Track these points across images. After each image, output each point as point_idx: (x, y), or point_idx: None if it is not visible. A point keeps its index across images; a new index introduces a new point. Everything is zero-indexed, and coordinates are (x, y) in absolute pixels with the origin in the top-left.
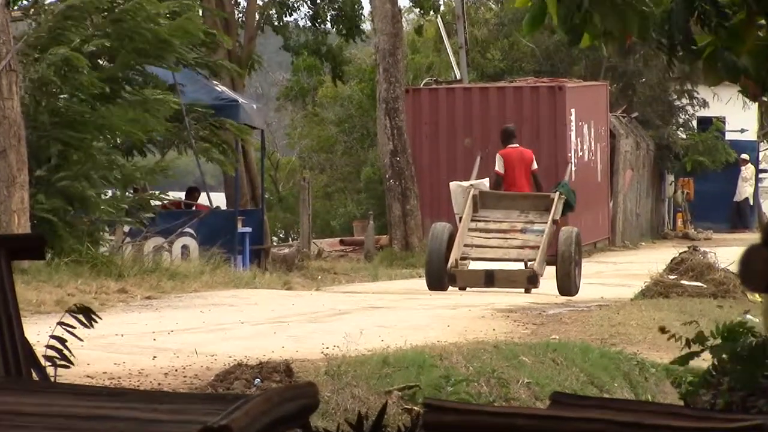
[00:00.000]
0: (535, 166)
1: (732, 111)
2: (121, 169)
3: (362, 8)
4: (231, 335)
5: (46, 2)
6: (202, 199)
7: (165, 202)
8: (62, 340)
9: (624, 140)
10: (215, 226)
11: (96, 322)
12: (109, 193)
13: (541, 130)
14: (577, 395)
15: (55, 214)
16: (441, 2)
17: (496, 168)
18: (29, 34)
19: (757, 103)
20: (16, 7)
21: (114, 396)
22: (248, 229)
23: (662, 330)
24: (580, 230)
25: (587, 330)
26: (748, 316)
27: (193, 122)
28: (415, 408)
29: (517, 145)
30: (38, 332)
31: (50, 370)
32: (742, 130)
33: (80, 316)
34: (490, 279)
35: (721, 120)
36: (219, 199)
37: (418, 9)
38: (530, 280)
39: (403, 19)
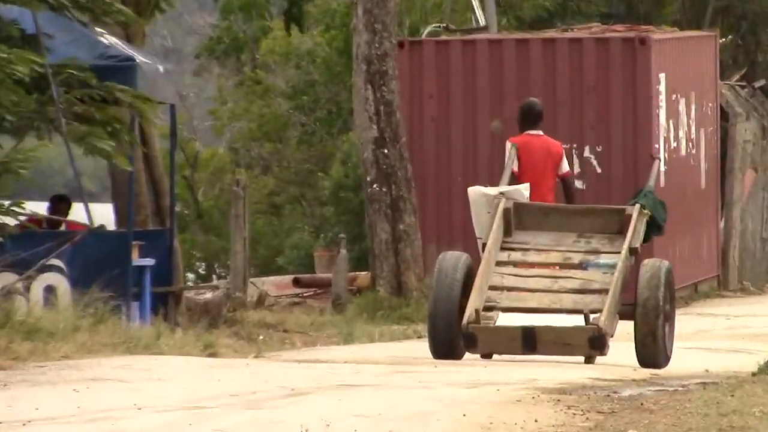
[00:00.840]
0: (566, 167)
1: None
2: None
3: None
4: (121, 428)
5: None
6: (77, 213)
7: (19, 218)
8: None
9: (743, 123)
10: (97, 256)
11: None
12: None
13: (611, 107)
14: None
15: None
16: None
17: (507, 164)
18: None
19: None
20: None
21: None
22: (150, 261)
23: None
24: (672, 265)
25: (684, 422)
26: None
27: (64, 91)
28: None
29: (542, 133)
30: None
31: None
32: None
33: None
34: (530, 341)
35: None
36: (104, 214)
37: None
38: (594, 344)
39: None
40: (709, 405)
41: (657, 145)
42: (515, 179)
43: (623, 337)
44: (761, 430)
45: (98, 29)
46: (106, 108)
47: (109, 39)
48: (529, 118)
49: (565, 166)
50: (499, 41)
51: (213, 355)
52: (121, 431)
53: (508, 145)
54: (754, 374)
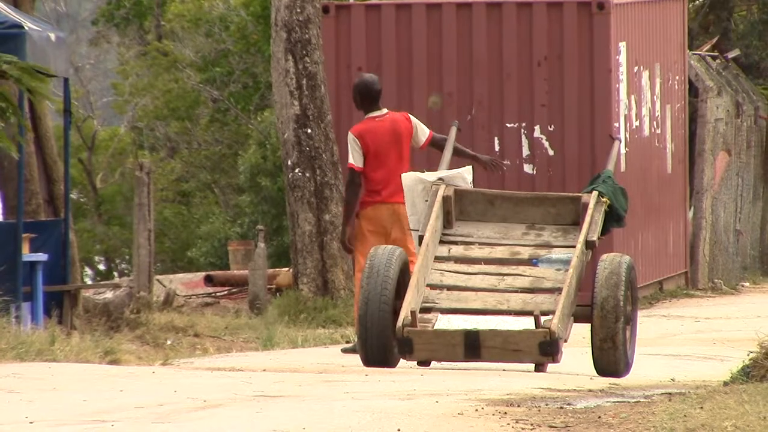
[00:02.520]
0: (424, 133)
1: None
2: None
3: None
4: None
5: None
6: None
7: None
8: None
9: (714, 99)
10: None
11: None
12: None
13: (565, 81)
14: None
15: None
16: None
17: (350, 161)
18: None
19: None
20: None
21: None
22: (43, 256)
23: None
24: (634, 260)
25: None
26: None
27: None
28: None
29: (385, 111)
30: None
31: None
32: None
33: None
34: (473, 347)
35: None
36: None
37: None
38: (545, 349)
39: None
40: (675, 418)
41: (617, 125)
42: (358, 177)
43: (578, 343)
44: None
45: None
46: None
47: None
48: (369, 100)
49: (422, 133)
50: (438, 5)
51: (114, 362)
52: None
53: (350, 137)
54: (725, 383)
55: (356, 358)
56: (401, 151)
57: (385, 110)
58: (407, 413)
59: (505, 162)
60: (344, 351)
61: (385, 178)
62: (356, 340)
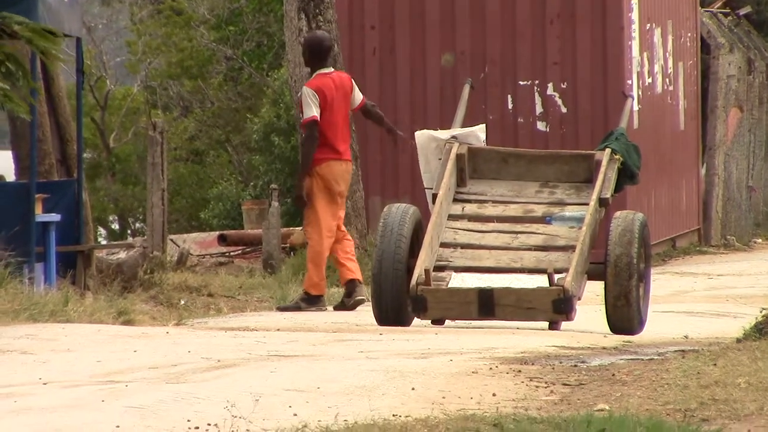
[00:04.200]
0: (360, 96)
1: None
2: None
3: None
4: (24, 406)
5: None
6: None
7: None
8: None
9: (726, 56)
10: None
11: None
12: None
13: (578, 39)
14: None
15: None
16: None
17: (312, 113)
18: None
19: None
20: None
21: None
22: (56, 217)
23: None
24: (647, 217)
25: (660, 395)
26: None
27: None
28: None
29: (332, 69)
30: None
31: None
32: None
33: None
34: (487, 305)
35: None
36: (2, 162)
37: None
38: (559, 307)
39: None
40: (689, 375)
41: (629, 82)
42: (315, 128)
43: (592, 300)
44: (747, 403)
45: None
46: (1, 45)
47: None
48: (319, 56)
49: (358, 96)
50: None
51: (128, 322)
52: (25, 409)
53: (309, 91)
54: (738, 340)
55: (371, 317)
56: (347, 108)
57: (331, 68)
58: (421, 372)
59: (519, 120)
60: (280, 309)
61: (337, 135)
62: (370, 298)
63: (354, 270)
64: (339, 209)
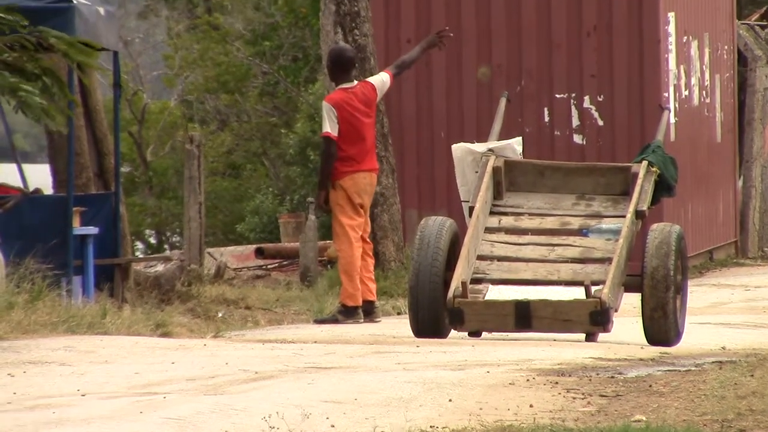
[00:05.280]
0: (384, 76)
1: None
2: None
3: None
4: (63, 417)
5: None
6: (9, 175)
7: None
8: None
9: (763, 69)
10: (34, 225)
11: None
12: None
13: (614, 52)
14: None
15: None
16: None
17: (326, 129)
18: None
19: None
20: None
21: None
22: (93, 230)
23: None
24: (684, 230)
25: (698, 406)
26: None
27: None
28: None
29: (355, 82)
30: None
31: None
32: None
33: None
34: (524, 317)
35: None
36: (40, 176)
37: None
38: (596, 319)
39: None
40: (726, 386)
41: (666, 94)
42: (334, 145)
43: (629, 312)
44: None
45: None
46: (39, 57)
47: None
48: (342, 68)
49: (383, 81)
50: None
51: (166, 335)
52: (63, 420)
53: (326, 106)
54: None
55: (408, 329)
56: (373, 119)
57: (354, 81)
58: (458, 384)
59: (556, 133)
60: (317, 321)
61: (361, 147)
62: (407, 311)
63: (373, 291)
64: (363, 220)
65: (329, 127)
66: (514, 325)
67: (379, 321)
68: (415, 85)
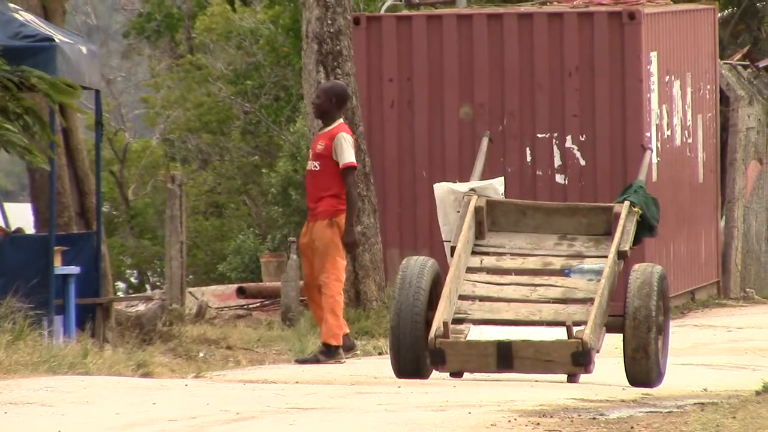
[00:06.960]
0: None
1: None
2: None
3: None
4: None
5: None
6: None
7: None
8: None
9: (746, 108)
10: (15, 264)
11: None
12: None
13: (596, 91)
14: None
15: None
16: None
17: (351, 158)
18: None
19: None
20: None
21: None
22: (75, 269)
23: None
24: (666, 270)
25: None
26: None
27: None
28: None
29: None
30: None
31: None
32: None
33: None
34: (506, 357)
35: None
36: (21, 215)
37: None
38: (578, 360)
39: None
40: (708, 428)
41: (648, 134)
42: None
43: (611, 353)
44: None
45: (12, 5)
46: (20, 97)
47: (24, 16)
48: (344, 105)
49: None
50: (469, 16)
51: (147, 375)
52: None
53: (348, 138)
54: (758, 393)
55: (389, 370)
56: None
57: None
58: (440, 425)
59: (538, 173)
60: (298, 361)
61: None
62: (389, 351)
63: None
64: None
65: (354, 157)
66: (495, 366)
67: (344, 362)
68: (397, 124)
